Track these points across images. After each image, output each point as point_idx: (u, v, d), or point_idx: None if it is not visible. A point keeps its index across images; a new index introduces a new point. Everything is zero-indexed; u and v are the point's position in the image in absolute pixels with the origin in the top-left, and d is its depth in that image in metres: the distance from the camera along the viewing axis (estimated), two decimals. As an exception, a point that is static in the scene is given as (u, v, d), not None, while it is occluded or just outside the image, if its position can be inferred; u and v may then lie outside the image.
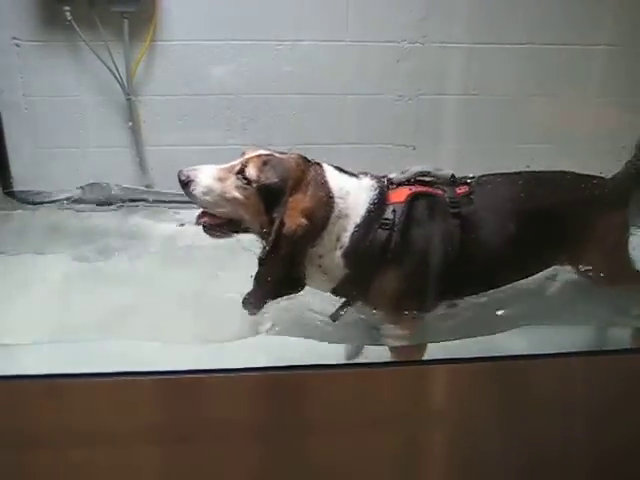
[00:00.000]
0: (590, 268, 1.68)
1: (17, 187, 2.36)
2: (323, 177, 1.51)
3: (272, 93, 2.51)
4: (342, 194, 1.50)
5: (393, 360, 1.60)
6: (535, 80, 2.58)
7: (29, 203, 2.16)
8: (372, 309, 1.58)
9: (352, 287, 1.55)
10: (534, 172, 1.68)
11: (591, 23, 2.55)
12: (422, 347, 1.58)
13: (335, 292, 1.57)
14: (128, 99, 2.45)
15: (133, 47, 2.42)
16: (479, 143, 2.38)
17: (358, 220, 1.50)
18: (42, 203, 2.11)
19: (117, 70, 2.42)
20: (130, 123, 2.48)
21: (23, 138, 2.44)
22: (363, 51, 2.51)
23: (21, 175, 2.39)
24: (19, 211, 2.09)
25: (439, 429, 1.48)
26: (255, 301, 1.51)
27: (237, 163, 1.48)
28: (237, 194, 1.46)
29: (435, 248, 1.53)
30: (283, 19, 2.47)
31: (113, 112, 2.49)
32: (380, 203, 1.52)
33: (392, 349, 1.61)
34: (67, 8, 2.30)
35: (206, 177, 1.46)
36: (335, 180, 1.52)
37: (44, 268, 1.97)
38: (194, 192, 1.46)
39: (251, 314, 1.52)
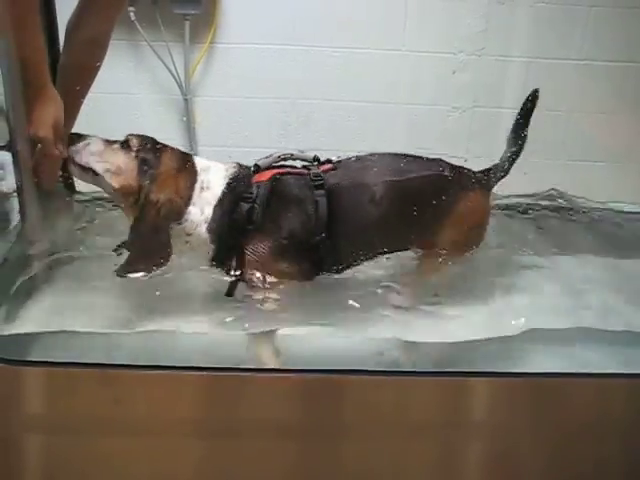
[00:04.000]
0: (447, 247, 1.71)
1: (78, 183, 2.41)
2: (190, 157, 1.63)
3: (327, 99, 2.53)
4: (204, 168, 1.61)
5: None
6: (592, 97, 2.54)
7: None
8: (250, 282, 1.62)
9: (223, 262, 1.61)
10: (401, 153, 1.75)
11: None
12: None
13: (212, 265, 1.63)
14: (185, 99, 2.50)
15: (193, 48, 2.47)
16: (532, 158, 2.35)
17: (220, 193, 1.58)
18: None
19: (176, 70, 2.47)
20: (184, 119, 2.53)
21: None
22: (419, 61, 2.52)
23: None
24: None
25: (475, 441, 1.47)
26: (127, 267, 1.56)
27: (119, 139, 1.60)
28: (117, 160, 1.57)
29: (300, 217, 1.60)
30: (340, 26, 2.49)
31: (170, 111, 2.54)
32: (243, 180, 1.61)
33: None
34: (132, 8, 2.36)
35: (94, 141, 1.59)
36: (200, 160, 1.63)
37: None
38: (83, 154, 1.58)
39: (118, 275, 1.56)
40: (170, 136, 2.54)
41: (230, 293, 1.64)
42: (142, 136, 1.61)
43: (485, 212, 1.79)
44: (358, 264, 1.70)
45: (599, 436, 1.47)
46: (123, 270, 1.54)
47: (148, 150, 1.58)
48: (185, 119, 2.51)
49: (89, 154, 1.58)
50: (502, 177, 1.81)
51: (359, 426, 1.43)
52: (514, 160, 1.81)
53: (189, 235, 1.59)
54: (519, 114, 1.84)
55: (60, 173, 1.70)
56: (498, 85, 2.43)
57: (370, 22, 2.49)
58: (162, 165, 1.57)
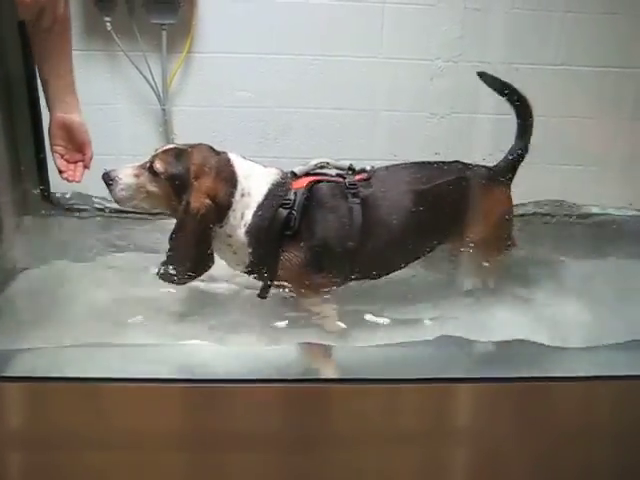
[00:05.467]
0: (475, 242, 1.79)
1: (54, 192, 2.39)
2: (227, 160, 1.66)
3: (305, 107, 2.53)
4: (245, 174, 1.64)
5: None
6: (569, 101, 2.56)
7: (68, 209, 2.19)
8: (285, 287, 1.67)
9: (261, 266, 1.65)
10: (427, 161, 1.86)
11: (627, 45, 2.53)
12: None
13: (249, 272, 1.68)
14: (163, 109, 2.48)
15: (170, 58, 2.45)
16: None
17: (260, 199, 1.63)
18: (79, 210, 2.14)
19: (154, 80, 2.45)
20: (160, 129, 2.52)
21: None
22: (396, 68, 2.52)
23: (58, 181, 2.42)
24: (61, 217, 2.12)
25: (461, 447, 1.47)
26: (171, 275, 1.60)
27: (147, 161, 1.63)
28: (151, 187, 1.62)
29: (336, 224, 1.65)
30: (318, 34, 2.49)
31: (148, 121, 2.52)
32: (282, 187, 1.66)
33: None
34: (108, 19, 2.34)
35: (125, 176, 1.62)
36: (239, 164, 1.67)
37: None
38: (116, 191, 1.62)
39: (171, 282, 1.61)
40: (149, 146, 2.52)
41: (263, 295, 1.68)
42: (169, 151, 1.63)
43: (508, 202, 1.88)
44: (391, 271, 1.76)
45: (588, 441, 1.47)
46: (166, 277, 1.59)
47: (176, 168, 1.60)
48: (162, 129, 2.49)
49: (121, 192, 1.62)
50: (519, 161, 1.93)
51: (348, 435, 1.43)
52: (524, 145, 1.94)
53: (230, 237, 1.62)
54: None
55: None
56: (475, 91, 2.44)
57: (347, 30, 2.50)
58: (196, 177, 1.59)
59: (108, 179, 1.63)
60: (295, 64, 2.49)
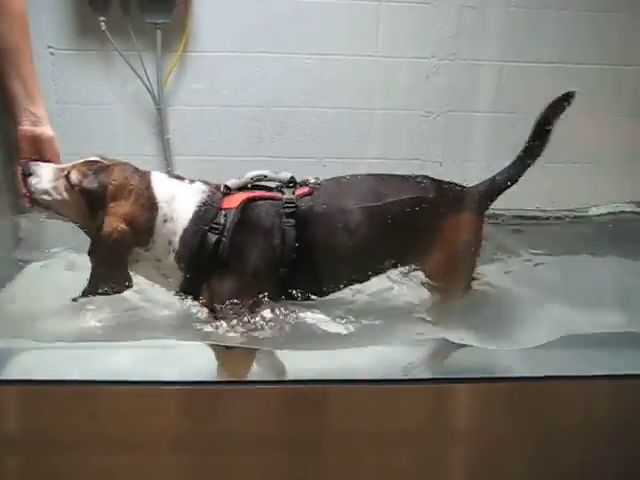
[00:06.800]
0: (431, 276, 1.64)
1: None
2: (148, 183, 1.53)
3: (301, 106, 2.53)
4: (167, 198, 1.53)
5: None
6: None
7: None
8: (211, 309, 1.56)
9: (193, 291, 1.55)
10: (384, 174, 1.66)
11: (622, 43, 2.54)
12: (251, 354, 1.58)
13: (180, 292, 1.57)
14: (158, 108, 2.48)
15: (165, 57, 2.45)
16: (506, 161, 2.37)
17: (186, 224, 1.51)
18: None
19: (148, 80, 2.45)
20: (153, 130, 2.52)
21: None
22: (392, 66, 2.52)
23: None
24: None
25: (461, 447, 1.47)
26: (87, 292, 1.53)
27: (69, 166, 1.54)
28: (64, 195, 1.51)
29: (266, 249, 1.53)
30: (313, 32, 2.49)
31: (143, 121, 2.51)
32: (211, 207, 1.53)
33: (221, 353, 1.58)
34: (102, 18, 2.34)
35: (45, 173, 1.53)
36: (160, 185, 1.54)
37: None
38: (34, 184, 1.52)
39: (72, 299, 1.54)
40: (143, 146, 2.53)
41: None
42: (89, 164, 1.53)
43: (474, 231, 1.65)
44: (328, 293, 1.62)
45: (586, 440, 1.47)
46: (83, 294, 1.51)
47: (92, 183, 1.50)
48: (155, 130, 2.49)
49: (38, 191, 1.53)
50: (505, 188, 1.67)
51: (345, 436, 1.42)
52: (522, 169, 1.67)
53: (159, 261, 1.54)
54: (541, 118, 1.68)
55: None
56: (471, 89, 2.45)
57: (343, 28, 2.50)
58: (113, 199, 1.49)
59: (28, 170, 1.53)
60: (291, 63, 2.49)
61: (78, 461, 1.38)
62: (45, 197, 1.53)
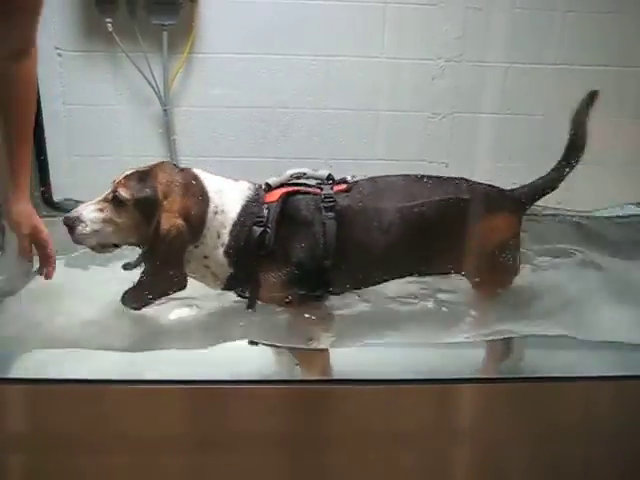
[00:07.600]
0: (475, 275, 1.67)
1: (55, 195, 2.41)
2: (195, 176, 1.57)
3: (307, 107, 2.53)
4: (216, 191, 1.56)
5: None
6: (570, 100, 2.56)
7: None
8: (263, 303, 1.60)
9: (240, 285, 1.59)
10: (423, 175, 1.68)
11: (628, 44, 2.53)
12: (325, 353, 1.59)
13: (227, 289, 1.61)
14: (165, 110, 2.49)
15: (171, 59, 2.45)
16: (512, 162, 2.37)
17: (235, 216, 1.55)
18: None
19: (155, 81, 2.45)
20: (160, 131, 2.52)
21: (61, 146, 2.48)
22: (398, 68, 2.52)
23: (58, 183, 2.43)
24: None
25: (463, 448, 1.47)
26: (138, 298, 1.55)
27: (109, 192, 1.53)
28: (119, 219, 1.51)
29: (310, 240, 1.56)
30: (320, 34, 2.49)
31: (150, 122, 2.52)
32: (256, 202, 1.57)
33: (297, 353, 1.60)
34: (109, 20, 2.34)
35: (88, 213, 1.51)
36: (209, 180, 1.57)
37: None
38: (83, 232, 1.51)
39: (133, 309, 1.55)
40: (150, 147, 2.54)
41: (251, 307, 1.61)
42: (131, 176, 1.53)
43: (511, 232, 1.69)
44: (367, 287, 1.66)
45: (588, 441, 1.47)
46: (131, 301, 1.53)
47: (142, 191, 1.50)
48: (162, 131, 2.50)
49: (85, 229, 1.51)
50: (545, 193, 1.73)
51: (348, 436, 1.43)
52: (563, 173, 1.71)
53: (206, 258, 1.56)
54: (574, 123, 1.74)
55: None
56: (477, 90, 2.45)
57: (349, 29, 2.50)
58: (165, 197, 1.50)
59: (69, 221, 1.51)
60: (296, 64, 2.49)
61: (84, 460, 1.38)
62: (97, 239, 1.53)
